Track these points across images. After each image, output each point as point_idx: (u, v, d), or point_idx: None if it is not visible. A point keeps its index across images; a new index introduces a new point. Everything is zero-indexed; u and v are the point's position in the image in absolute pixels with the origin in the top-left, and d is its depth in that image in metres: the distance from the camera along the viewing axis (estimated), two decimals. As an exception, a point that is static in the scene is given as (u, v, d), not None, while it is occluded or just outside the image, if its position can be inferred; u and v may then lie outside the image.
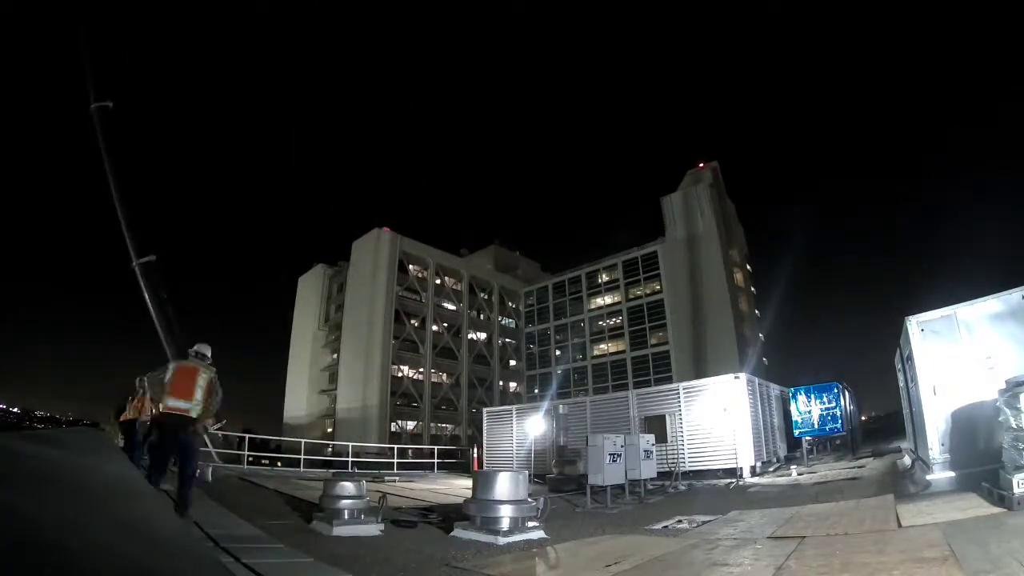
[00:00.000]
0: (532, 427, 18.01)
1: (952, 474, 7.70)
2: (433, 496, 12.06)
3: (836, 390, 17.05)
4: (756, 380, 16.27)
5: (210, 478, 11.10)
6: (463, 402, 49.22)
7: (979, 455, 7.07)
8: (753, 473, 13.80)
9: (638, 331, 48.77)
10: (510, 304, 57.39)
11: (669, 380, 36.86)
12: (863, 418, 29.27)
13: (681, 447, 14.72)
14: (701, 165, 50.20)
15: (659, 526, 7.79)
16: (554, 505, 9.58)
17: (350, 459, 20.04)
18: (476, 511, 7.01)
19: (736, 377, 14.96)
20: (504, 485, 7.01)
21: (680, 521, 8.00)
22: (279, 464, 21.14)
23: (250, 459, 16.61)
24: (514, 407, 20.61)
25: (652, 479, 12.37)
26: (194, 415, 6.29)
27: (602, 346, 51.46)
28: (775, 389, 18.19)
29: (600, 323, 52.13)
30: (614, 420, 16.11)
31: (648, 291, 49.24)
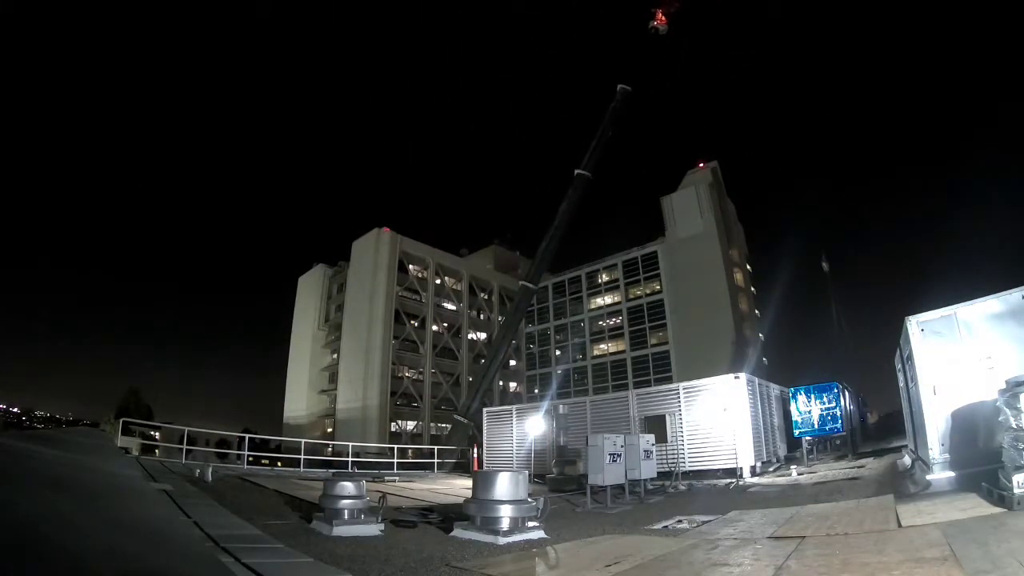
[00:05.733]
0: (532, 427, 18.00)
1: (952, 474, 7.70)
2: (433, 496, 12.06)
3: (836, 390, 17.05)
4: (756, 380, 16.26)
5: (210, 478, 11.10)
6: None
7: (979, 455, 7.06)
8: (753, 473, 13.80)
9: (638, 331, 48.79)
10: (510, 304, 57.32)
11: (669, 380, 36.89)
12: (868, 418, 29.23)
13: (681, 447, 14.71)
14: (701, 165, 50.20)
15: (659, 526, 7.79)
16: (554, 505, 9.58)
17: (350, 459, 20.03)
18: (476, 511, 7.00)
19: (736, 377, 14.94)
20: (504, 485, 7.01)
21: (680, 521, 7.99)
22: (279, 464, 21.13)
23: (250, 459, 16.63)
24: (514, 407, 20.60)
25: (652, 479, 12.36)
26: None
27: (602, 346, 51.48)
28: (775, 389, 18.19)
29: (600, 323, 52.15)
30: (614, 420, 16.10)
31: (648, 291, 49.26)
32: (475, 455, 19.73)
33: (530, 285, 29.73)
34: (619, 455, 10.66)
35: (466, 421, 27.47)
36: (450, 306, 52.13)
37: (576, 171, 30.16)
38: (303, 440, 21.75)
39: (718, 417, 14.37)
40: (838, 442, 19.10)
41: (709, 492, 12.14)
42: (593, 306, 53.01)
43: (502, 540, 6.49)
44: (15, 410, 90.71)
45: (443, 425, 48.32)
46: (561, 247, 32.31)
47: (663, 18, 34.04)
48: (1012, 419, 5.78)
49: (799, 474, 13.32)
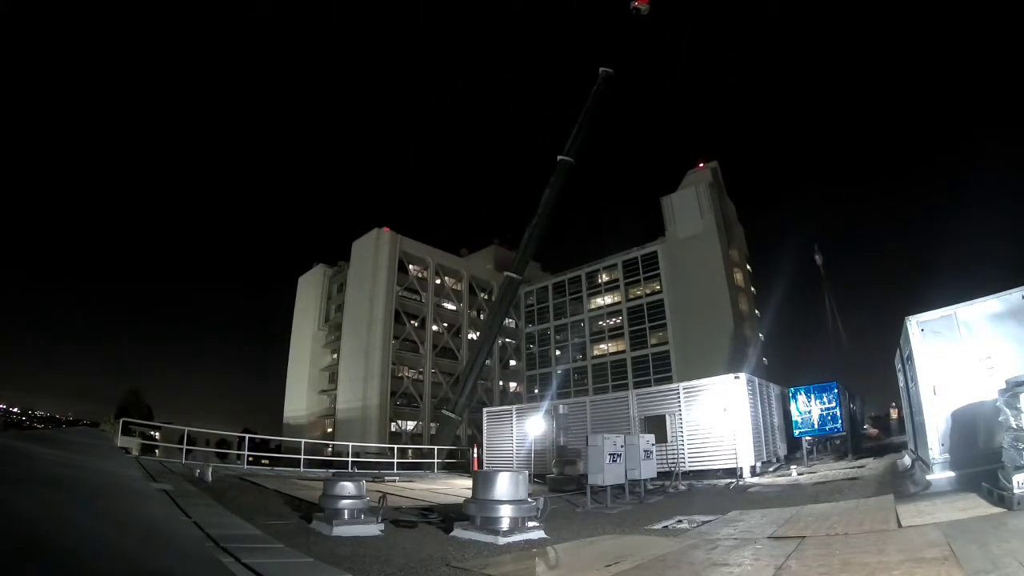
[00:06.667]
0: (532, 427, 18.00)
1: (952, 474, 7.70)
2: (433, 496, 12.06)
3: (836, 390, 17.05)
4: (756, 380, 16.25)
5: (210, 478, 11.09)
6: (463, 401, 49.15)
7: (979, 455, 7.07)
8: (753, 473, 13.79)
9: (638, 331, 48.76)
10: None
11: (669, 380, 36.87)
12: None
13: (681, 447, 14.70)
14: (701, 165, 50.14)
15: (659, 526, 7.79)
16: (554, 505, 9.58)
17: (350, 459, 20.01)
18: (476, 511, 7.00)
19: (736, 377, 14.94)
20: (504, 485, 7.00)
21: (680, 521, 7.99)
22: (280, 464, 21.11)
23: (250, 459, 16.62)
24: (514, 407, 20.59)
25: (652, 479, 12.36)
26: None
27: (602, 346, 51.44)
28: (775, 389, 18.18)
29: (600, 323, 52.11)
30: (614, 420, 16.10)
31: (648, 291, 49.22)
32: (475, 455, 19.72)
33: (514, 275, 29.38)
34: (619, 455, 10.66)
35: (455, 416, 27.32)
36: (450, 306, 52.12)
37: (559, 157, 29.77)
38: (303, 440, 21.73)
39: (718, 417, 14.37)
40: (838, 442, 19.10)
41: (709, 492, 12.13)
42: (593, 306, 52.97)
43: (502, 540, 6.49)
44: (15, 410, 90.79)
45: (443, 425, 48.38)
46: (557, 243, 32.38)
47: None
48: (1012, 419, 5.78)
49: (799, 474, 13.31)
